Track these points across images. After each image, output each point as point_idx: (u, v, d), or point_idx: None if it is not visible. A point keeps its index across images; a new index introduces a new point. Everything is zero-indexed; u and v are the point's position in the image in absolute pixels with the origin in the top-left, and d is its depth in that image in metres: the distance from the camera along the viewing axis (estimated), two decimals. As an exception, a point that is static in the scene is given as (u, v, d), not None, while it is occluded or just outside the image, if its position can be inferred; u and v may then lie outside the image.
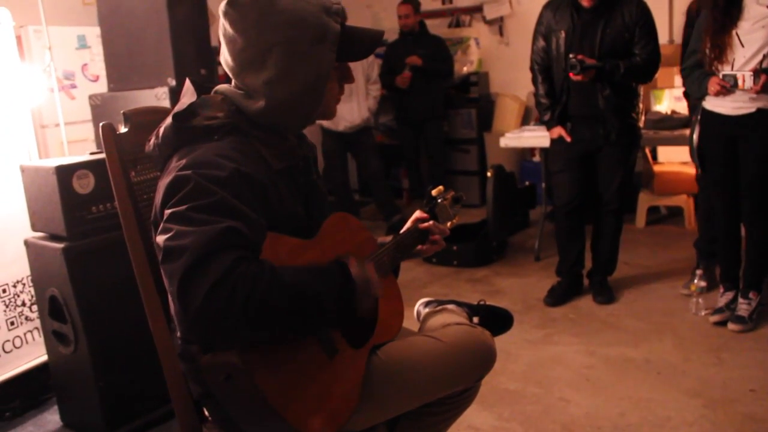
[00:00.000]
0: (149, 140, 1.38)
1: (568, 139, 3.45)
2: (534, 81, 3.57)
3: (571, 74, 3.28)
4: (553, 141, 3.60)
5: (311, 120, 1.43)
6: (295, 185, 1.40)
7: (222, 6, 1.35)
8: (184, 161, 1.25)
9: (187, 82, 1.40)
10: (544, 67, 3.50)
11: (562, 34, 3.37)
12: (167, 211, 1.19)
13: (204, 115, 1.32)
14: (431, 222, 1.74)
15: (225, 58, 1.38)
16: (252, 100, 1.35)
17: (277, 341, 1.22)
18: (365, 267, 1.35)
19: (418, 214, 1.75)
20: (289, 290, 1.16)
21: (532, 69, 3.57)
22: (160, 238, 1.16)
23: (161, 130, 1.35)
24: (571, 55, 3.25)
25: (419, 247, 1.72)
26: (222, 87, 1.41)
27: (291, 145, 1.41)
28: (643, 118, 3.59)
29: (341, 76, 1.44)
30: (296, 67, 1.33)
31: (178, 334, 1.13)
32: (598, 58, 3.28)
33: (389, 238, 1.65)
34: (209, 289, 1.08)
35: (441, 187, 1.85)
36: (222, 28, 1.37)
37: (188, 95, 1.37)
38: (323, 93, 1.39)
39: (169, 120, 1.33)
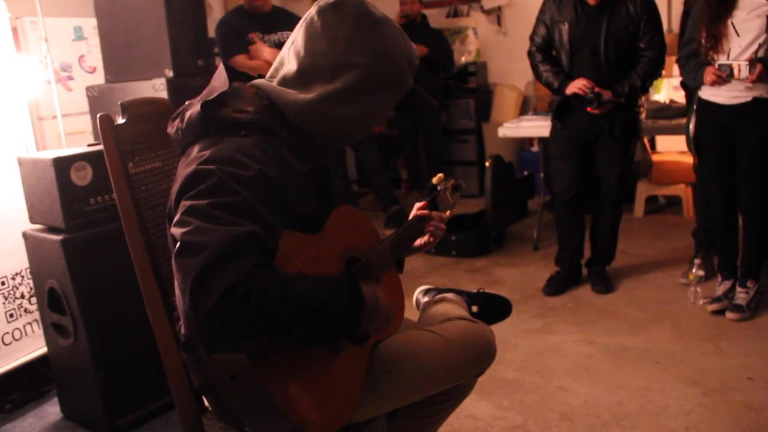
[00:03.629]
0: (173, 120, 1.36)
1: (588, 86, 3.28)
2: (533, 63, 3.53)
3: (588, 108, 3.28)
4: (552, 127, 3.59)
5: (336, 145, 1.41)
6: (315, 188, 1.38)
7: (322, 3, 1.33)
8: (206, 153, 1.22)
9: (221, 67, 1.37)
10: (543, 49, 3.49)
11: (566, 26, 3.35)
12: (185, 203, 1.16)
13: (233, 107, 1.28)
14: (430, 211, 1.73)
15: (297, 48, 1.34)
16: (302, 94, 1.31)
17: (280, 349, 1.21)
18: (374, 288, 1.32)
19: (419, 204, 1.75)
20: (299, 301, 1.14)
21: (530, 53, 3.54)
22: (177, 231, 1.13)
23: (187, 114, 1.32)
24: (588, 90, 3.25)
25: (419, 241, 1.71)
26: (259, 81, 1.37)
27: (315, 148, 1.38)
28: (644, 110, 3.58)
29: (374, 127, 1.44)
30: (362, 95, 1.32)
31: (183, 331, 1.12)
32: (603, 52, 3.29)
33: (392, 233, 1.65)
34: (223, 292, 1.06)
35: (441, 175, 1.84)
36: (309, 20, 1.34)
37: (219, 81, 1.34)
38: (367, 130, 1.40)
39: (197, 107, 1.30)
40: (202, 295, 1.06)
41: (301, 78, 1.33)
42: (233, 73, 1.35)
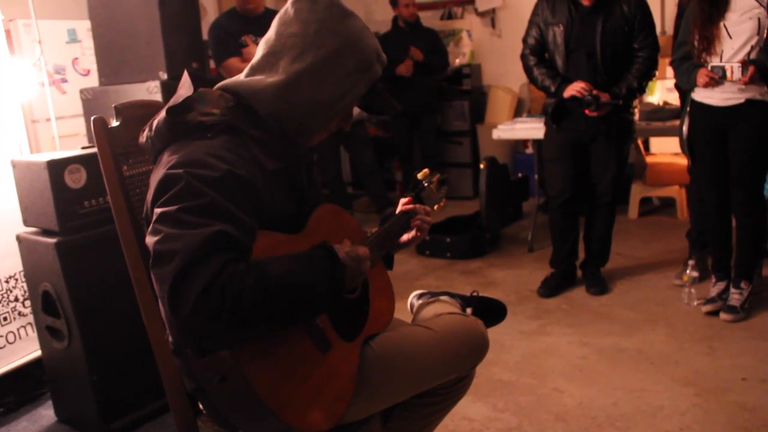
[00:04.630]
0: (143, 131, 1.37)
1: (587, 89, 3.29)
2: (527, 66, 3.52)
3: (587, 111, 3.29)
4: (547, 129, 3.60)
5: (303, 135, 1.40)
6: (289, 186, 1.39)
7: None
8: (175, 158, 1.23)
9: (185, 74, 1.38)
10: (537, 52, 3.49)
11: (560, 28, 3.36)
12: (157, 210, 1.18)
13: (199, 111, 1.30)
14: (414, 205, 1.73)
15: (268, 36, 1.38)
16: (271, 78, 1.33)
17: (272, 333, 1.22)
18: (356, 247, 1.35)
19: (403, 200, 1.75)
20: (278, 283, 1.16)
21: (523, 56, 3.54)
22: (150, 240, 1.15)
23: (155, 122, 1.33)
24: (586, 93, 3.26)
25: (406, 236, 1.70)
26: (225, 81, 1.38)
27: (286, 144, 1.38)
28: (637, 112, 3.59)
29: (343, 118, 1.45)
30: (329, 77, 1.34)
31: (170, 339, 1.13)
32: (600, 53, 3.30)
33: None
34: (198, 294, 1.08)
35: (426, 170, 1.84)
36: (283, 11, 1.37)
37: (185, 88, 1.35)
38: (335, 116, 1.40)
39: (163, 113, 1.32)
40: (180, 301, 1.08)
41: (268, 59, 1.36)
42: (198, 80, 1.36)
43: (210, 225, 1.14)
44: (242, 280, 1.11)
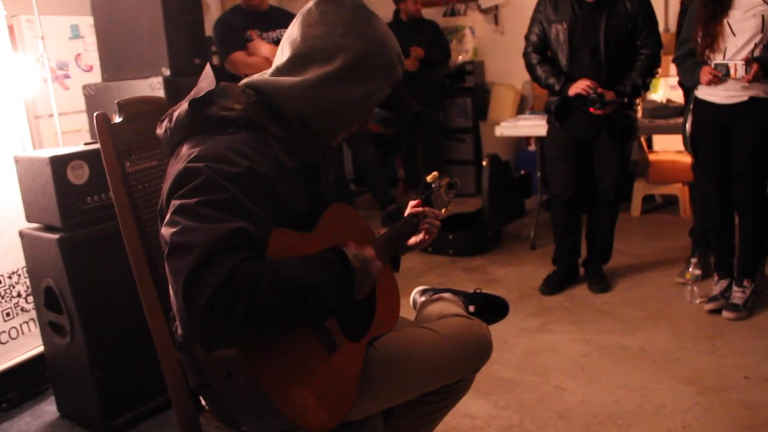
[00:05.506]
0: (161, 121, 1.36)
1: (592, 87, 3.29)
2: (530, 64, 3.51)
3: (591, 109, 3.28)
4: (550, 126, 3.59)
5: (327, 135, 1.41)
6: (305, 184, 1.39)
7: None
8: (195, 151, 1.22)
9: (207, 67, 1.38)
10: (540, 50, 3.48)
11: (564, 26, 3.35)
12: (175, 202, 1.17)
13: (220, 105, 1.29)
14: (424, 207, 1.73)
15: (293, 37, 1.37)
16: (297, 77, 1.33)
17: (279, 334, 1.21)
18: (363, 249, 1.34)
19: (413, 202, 1.76)
20: (290, 285, 1.15)
21: (525, 53, 3.53)
22: (167, 231, 1.14)
23: (175, 114, 1.32)
24: (591, 91, 3.25)
25: (414, 238, 1.71)
26: (249, 78, 1.38)
27: (306, 143, 1.38)
28: (640, 109, 3.58)
29: (366, 118, 1.45)
30: (357, 78, 1.35)
31: (179, 331, 1.12)
32: (604, 50, 3.29)
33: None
34: (214, 289, 1.07)
35: (436, 173, 1.85)
36: (306, 11, 1.37)
37: (207, 81, 1.35)
38: (360, 117, 1.41)
39: (185, 105, 1.31)
40: (194, 295, 1.07)
41: (296, 62, 1.35)
42: (220, 74, 1.36)
43: (230, 221, 1.13)
44: (257, 279, 1.10)
